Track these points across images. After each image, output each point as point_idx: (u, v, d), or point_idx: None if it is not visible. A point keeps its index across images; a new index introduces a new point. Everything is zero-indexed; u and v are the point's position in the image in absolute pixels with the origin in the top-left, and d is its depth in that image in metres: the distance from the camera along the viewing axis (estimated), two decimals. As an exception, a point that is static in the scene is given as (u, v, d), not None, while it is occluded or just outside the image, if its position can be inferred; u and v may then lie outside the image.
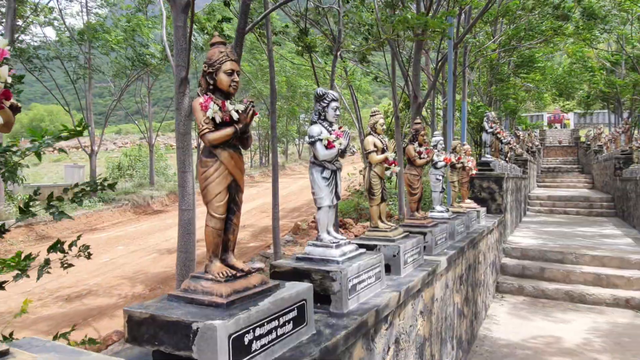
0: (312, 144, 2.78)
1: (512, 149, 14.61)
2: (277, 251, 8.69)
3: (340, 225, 13.99)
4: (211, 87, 1.98)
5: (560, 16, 12.79)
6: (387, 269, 3.42)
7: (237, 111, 1.90)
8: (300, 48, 8.88)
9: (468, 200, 7.32)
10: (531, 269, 8.16)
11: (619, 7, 16.23)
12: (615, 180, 15.18)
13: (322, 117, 2.88)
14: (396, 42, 11.70)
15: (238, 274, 1.93)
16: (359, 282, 2.71)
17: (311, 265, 2.62)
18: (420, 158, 4.61)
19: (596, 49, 23.38)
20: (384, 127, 3.79)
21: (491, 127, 9.58)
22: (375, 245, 3.48)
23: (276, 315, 1.88)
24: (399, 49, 11.61)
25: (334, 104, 2.87)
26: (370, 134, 3.76)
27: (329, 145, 2.76)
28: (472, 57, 16.83)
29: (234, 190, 2.00)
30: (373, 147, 3.67)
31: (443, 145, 5.60)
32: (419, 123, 4.71)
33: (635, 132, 22.05)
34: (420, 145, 4.68)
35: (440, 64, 11.11)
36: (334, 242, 2.78)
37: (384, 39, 9.30)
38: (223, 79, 1.96)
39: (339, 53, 9.67)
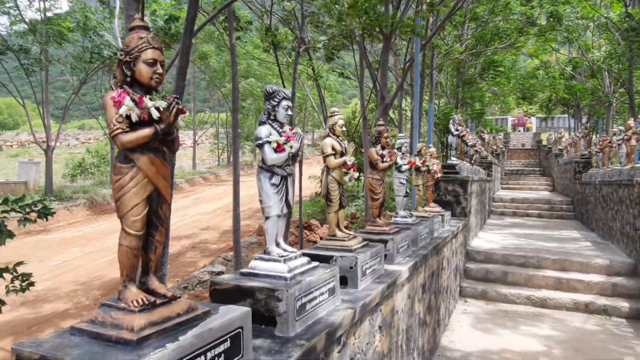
0: (260, 146, 2.50)
1: (477, 152, 14.73)
2: (238, 255, 8.35)
3: (305, 227, 13.73)
4: (128, 79, 1.67)
5: (527, 20, 12.96)
6: (344, 281, 3.19)
7: (157, 108, 1.60)
8: (265, 45, 8.56)
9: (433, 204, 7.19)
10: (494, 273, 8.13)
11: (579, 15, 16.65)
12: (575, 184, 15.53)
13: (272, 117, 2.61)
14: (363, 41, 11.54)
15: (158, 301, 1.64)
16: (310, 300, 2.45)
17: (255, 282, 2.34)
18: (382, 162, 4.39)
19: (557, 52, 24.00)
20: (344, 128, 3.55)
21: (457, 130, 9.53)
22: (332, 256, 3.23)
23: (202, 350, 1.59)
24: (366, 48, 11.45)
25: (285, 103, 2.60)
26: (328, 135, 3.51)
27: (278, 149, 2.49)
28: (439, 59, 16.92)
29: (156, 202, 1.70)
30: (331, 150, 3.42)
31: (408, 148, 5.42)
32: (383, 125, 4.50)
33: (594, 137, 22.74)
34: (383, 148, 4.47)
35: (408, 64, 11.02)
36: (282, 256, 2.52)
37: (350, 30, 9.07)
38: (143, 69, 1.66)
39: (301, 51, 9.39)
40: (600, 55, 19.65)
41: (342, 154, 3.48)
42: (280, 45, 9.05)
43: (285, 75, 11.95)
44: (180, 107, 1.65)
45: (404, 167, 5.26)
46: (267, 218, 2.58)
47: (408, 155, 5.42)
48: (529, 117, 48.24)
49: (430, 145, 7.50)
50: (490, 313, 7.14)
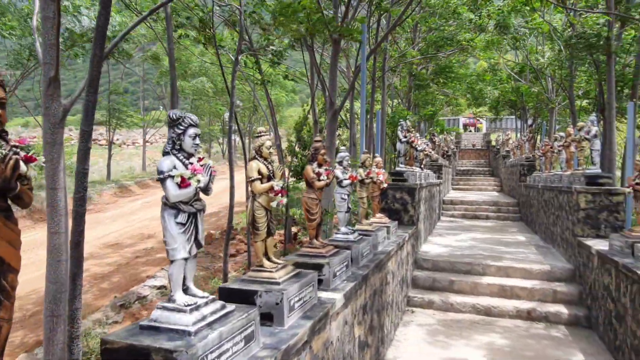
0: (161, 181, 2.20)
1: (427, 155, 14.86)
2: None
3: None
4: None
5: (476, 27, 13.16)
6: (270, 318, 2.93)
7: (-11, 161, 1.28)
8: (201, 38, 8.15)
9: (379, 215, 7.07)
10: (441, 281, 8.13)
11: (528, 25, 17.16)
12: (520, 186, 16.01)
13: (178, 147, 2.31)
14: (312, 46, 11.32)
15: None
16: (219, 356, 2.18)
17: (153, 341, 2.05)
18: (319, 180, 4.17)
19: (503, 58, 24.75)
20: (272, 150, 3.29)
21: (405, 137, 9.49)
22: (256, 292, 2.97)
23: None
24: (315, 51, 11.23)
25: (192, 131, 2.31)
26: (254, 158, 3.25)
27: (182, 184, 2.20)
28: (393, 62, 16.96)
29: (-1, 272, 1.38)
30: (257, 175, 3.16)
31: (349, 162, 5.23)
32: (319, 141, 4.27)
33: (538, 139, 23.62)
34: (319, 165, 4.25)
35: (357, 70, 10.89)
36: (189, 305, 2.23)
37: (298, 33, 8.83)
38: (-26, 111, 1.33)
39: (246, 53, 9.05)
40: (544, 61, 20.39)
41: (269, 178, 3.23)
42: (221, 44, 8.66)
43: (230, 74, 11.52)
44: (26, 155, 1.33)
45: (345, 182, 5.07)
46: (172, 262, 2.28)
47: (350, 169, 5.23)
48: (478, 119, 49.78)
49: (377, 155, 7.37)
50: (436, 323, 7.10)
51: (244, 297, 2.96)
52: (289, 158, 14.27)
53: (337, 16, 10.24)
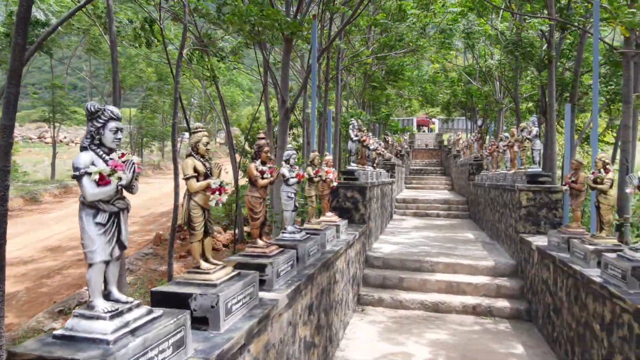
0: (77, 179, 2.04)
1: (380, 154, 15.04)
2: (121, 275, 7.54)
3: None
4: None
5: (420, 29, 13.47)
6: (205, 322, 2.81)
7: None
8: (141, 40, 7.83)
9: (329, 214, 7.05)
10: (391, 279, 8.22)
11: (477, 29, 17.75)
12: (469, 185, 16.52)
13: (97, 142, 2.15)
14: (265, 44, 11.17)
15: None
16: (142, 365, 2.04)
17: (66, 352, 1.88)
18: (262, 178, 4.07)
19: (450, 62, 25.51)
20: (209, 147, 3.16)
21: (356, 135, 9.53)
22: (191, 295, 2.83)
23: None
24: (266, 50, 11.09)
25: (112, 125, 2.16)
26: (190, 155, 3.11)
27: (101, 181, 2.04)
28: (346, 62, 17.04)
29: None
30: (192, 172, 3.02)
31: (296, 160, 5.16)
32: (263, 138, 4.17)
33: (488, 139, 24.48)
34: (263, 163, 4.15)
35: (308, 69, 10.84)
36: (109, 311, 2.07)
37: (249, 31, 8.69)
38: None
39: (194, 49, 8.79)
40: (493, 63, 21.16)
41: (206, 176, 3.09)
42: (169, 39, 8.36)
43: (188, 71, 11.15)
44: None
45: (292, 181, 4.99)
46: (90, 265, 2.12)
47: (297, 167, 5.16)
48: (430, 119, 51.08)
49: (327, 153, 7.34)
50: (386, 320, 7.16)
51: (177, 301, 2.82)
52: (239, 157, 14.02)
53: (289, 14, 10.16)
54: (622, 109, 8.68)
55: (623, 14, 6.87)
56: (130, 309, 2.18)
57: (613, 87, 15.64)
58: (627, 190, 4.45)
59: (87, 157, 2.07)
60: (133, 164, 2.18)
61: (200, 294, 2.82)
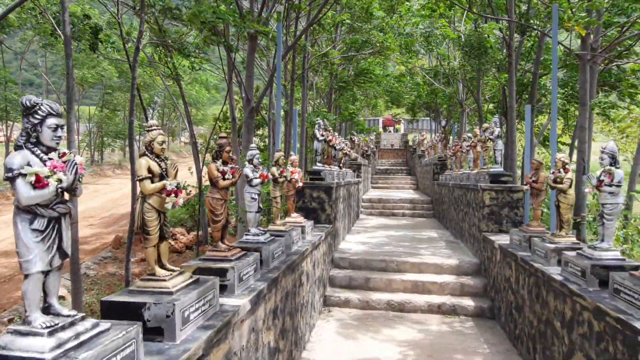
0: (11, 180, 1.84)
1: (346, 155, 15.04)
2: (77, 280, 7.14)
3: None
4: None
5: (381, 30, 13.59)
6: (160, 332, 2.63)
7: None
8: (86, 42, 7.47)
9: (294, 215, 6.93)
10: (357, 279, 8.18)
11: (439, 32, 18.05)
12: (433, 184, 16.76)
13: (34, 140, 1.96)
14: (228, 40, 10.94)
15: None
16: (85, 384, 1.86)
17: (-5, 374, 1.69)
18: (224, 179, 3.91)
19: (415, 65, 25.90)
20: (165, 146, 2.98)
21: (322, 135, 9.44)
22: (145, 304, 2.65)
23: None
24: (230, 48, 10.86)
25: (51, 121, 1.96)
26: (144, 155, 2.92)
27: (38, 184, 1.85)
28: (314, 61, 16.95)
29: None
30: (146, 173, 2.84)
31: (260, 160, 5.01)
32: (224, 137, 4.01)
33: (452, 140, 24.96)
34: (224, 163, 3.99)
35: (274, 68, 10.68)
36: (47, 327, 1.88)
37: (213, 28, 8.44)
38: None
39: (154, 45, 8.48)
40: (455, 64, 21.58)
41: (161, 177, 2.92)
42: (128, 33, 8.02)
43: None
44: None
45: (255, 181, 4.84)
46: (26, 276, 1.92)
47: (261, 167, 5.01)
48: (396, 120, 51.76)
49: (292, 153, 7.22)
50: (352, 321, 7.11)
51: (129, 311, 2.64)
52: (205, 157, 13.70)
53: (254, 12, 9.97)
54: (579, 110, 8.97)
55: (578, 15, 7.07)
56: (72, 323, 1.99)
57: (569, 89, 16.22)
58: (586, 190, 4.54)
59: (21, 157, 1.87)
60: (75, 164, 1.99)
61: (154, 303, 2.64)
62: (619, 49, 11.55)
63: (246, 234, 4.91)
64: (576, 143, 17.42)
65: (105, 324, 2.15)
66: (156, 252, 2.95)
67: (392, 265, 8.52)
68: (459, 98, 22.71)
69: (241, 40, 14.43)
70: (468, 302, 7.48)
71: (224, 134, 4.00)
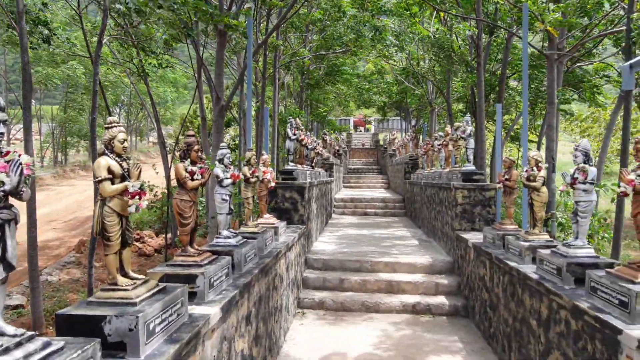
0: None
1: (318, 154, 14.91)
2: (36, 288, 6.73)
3: (137, 239, 12.26)
4: None
5: (355, 31, 13.50)
6: (123, 347, 2.42)
7: None
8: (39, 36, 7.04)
9: (267, 216, 6.74)
10: (331, 280, 8.05)
11: (409, 29, 18.15)
12: (405, 183, 16.84)
13: (-28, 137, 1.72)
14: (197, 37, 10.63)
15: None
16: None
17: None
18: (192, 180, 3.70)
19: (389, 63, 26.02)
20: (126, 144, 2.76)
21: (295, 134, 9.27)
22: (105, 317, 2.43)
23: None
24: (199, 44, 10.55)
25: (-7, 116, 1.73)
26: (104, 154, 2.69)
27: (-25, 187, 1.62)
28: (285, 59, 16.75)
29: None
30: (106, 174, 2.61)
31: (230, 160, 4.81)
32: (192, 136, 3.80)
33: (421, 139, 25.21)
34: (193, 163, 3.77)
35: (245, 63, 10.44)
36: (-12, 349, 1.66)
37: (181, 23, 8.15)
38: None
39: (117, 39, 8.12)
40: (425, 65, 21.81)
41: (123, 178, 2.69)
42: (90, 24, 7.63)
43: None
44: None
45: (226, 182, 4.64)
46: (-38, 292, 1.68)
47: (232, 167, 4.81)
48: (367, 120, 52.06)
49: (264, 152, 7.03)
50: (327, 323, 6.97)
51: (88, 325, 2.41)
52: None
53: (223, 6, 9.70)
54: (547, 109, 9.12)
55: (547, 16, 7.16)
56: (19, 344, 1.77)
57: (534, 89, 16.58)
58: (560, 188, 4.55)
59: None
60: (20, 164, 1.76)
61: (115, 316, 2.42)
62: (581, 50, 11.85)
63: (217, 237, 4.70)
64: (543, 141, 17.84)
65: (58, 343, 1.93)
66: (118, 260, 2.73)
67: (366, 266, 8.44)
68: (428, 98, 22.94)
69: (210, 37, 14.11)
70: (442, 301, 7.46)
71: (191, 132, 3.78)
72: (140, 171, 2.76)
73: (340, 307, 7.54)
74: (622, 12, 11.09)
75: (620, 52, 14.03)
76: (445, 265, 8.35)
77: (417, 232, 12.37)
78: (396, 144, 25.28)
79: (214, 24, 8.37)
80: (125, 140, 2.73)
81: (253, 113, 14.13)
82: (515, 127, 19.88)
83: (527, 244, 5.21)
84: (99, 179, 2.59)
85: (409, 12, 15.13)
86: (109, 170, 2.63)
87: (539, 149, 17.20)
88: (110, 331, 2.41)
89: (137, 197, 2.65)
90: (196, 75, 12.24)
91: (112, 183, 2.64)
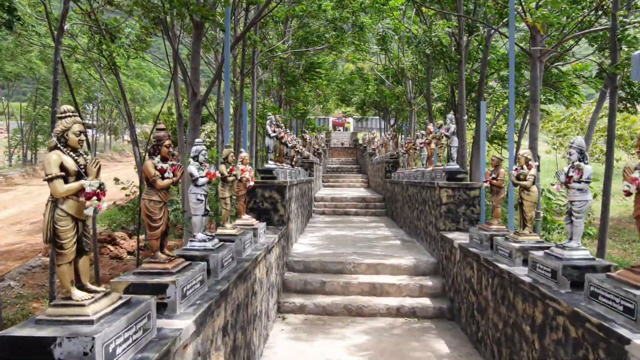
0: None
1: (298, 152, 14.59)
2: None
3: (108, 241, 11.69)
4: None
5: (336, 27, 13.26)
6: (77, 374, 2.06)
7: None
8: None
9: (245, 217, 6.39)
10: (313, 283, 7.75)
11: (390, 27, 18.00)
12: (386, 182, 16.66)
13: None
14: (172, 28, 10.19)
15: None
16: None
17: None
18: (163, 178, 3.35)
19: (370, 60, 25.93)
20: (83, 137, 2.40)
21: (274, 131, 8.94)
22: (54, 339, 2.07)
23: None
24: (174, 36, 10.12)
25: None
26: (56, 148, 2.33)
27: None
28: (262, 56, 16.35)
29: None
30: (58, 171, 2.25)
31: (206, 157, 4.45)
32: (163, 129, 3.44)
33: (401, 138, 25.13)
34: (164, 160, 3.42)
35: (221, 60, 10.05)
36: None
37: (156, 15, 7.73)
38: None
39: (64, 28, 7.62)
40: (406, 63, 21.71)
41: (79, 176, 2.33)
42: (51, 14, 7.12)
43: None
44: None
45: (202, 181, 4.29)
46: None
47: (207, 165, 4.46)
48: (346, 117, 51.96)
49: (242, 150, 6.68)
50: (309, 328, 6.67)
51: (35, 349, 2.05)
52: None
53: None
54: (530, 107, 9.03)
55: (534, 11, 7.04)
56: None
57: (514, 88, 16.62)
58: (554, 187, 4.36)
59: None
60: None
61: (67, 337, 2.07)
62: (564, 46, 11.86)
63: (191, 240, 4.35)
64: (524, 139, 17.91)
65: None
66: (73, 270, 2.36)
67: (348, 267, 8.17)
68: (408, 97, 22.86)
69: (186, 31, 13.62)
70: (427, 304, 7.25)
71: (162, 125, 3.42)
72: (99, 168, 2.41)
73: (322, 311, 7.24)
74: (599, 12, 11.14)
75: (597, 52, 14.17)
76: (430, 267, 8.15)
77: (399, 232, 12.18)
78: (376, 143, 25.14)
79: (189, 14, 7.96)
80: (81, 132, 2.37)
81: (231, 111, 13.70)
82: (492, 127, 19.94)
83: (517, 245, 5.02)
84: (50, 176, 2.23)
85: (386, 6, 14.92)
86: (62, 167, 2.27)
87: (518, 147, 17.24)
88: (62, 356, 2.05)
89: (95, 197, 2.30)
90: (171, 70, 11.77)
91: (66, 182, 2.28)
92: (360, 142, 38.82)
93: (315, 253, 8.96)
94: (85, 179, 2.30)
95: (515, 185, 5.30)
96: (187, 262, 3.58)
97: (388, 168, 16.99)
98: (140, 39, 12.12)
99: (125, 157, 50.29)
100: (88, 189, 2.27)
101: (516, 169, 5.25)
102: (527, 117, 20.89)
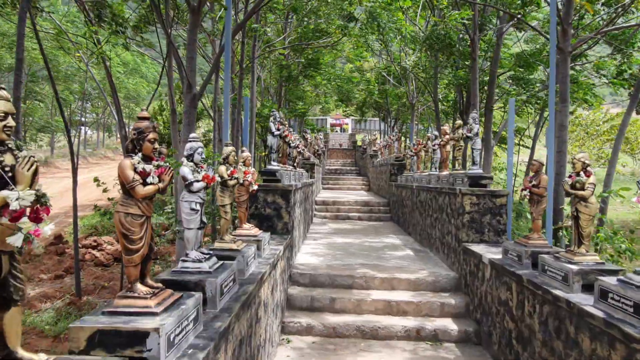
0: None
1: (300, 153, 13.74)
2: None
3: (92, 247, 10.79)
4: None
5: (346, 16, 12.40)
6: None
7: None
8: None
9: (247, 225, 5.52)
10: (320, 300, 6.89)
11: (395, 25, 17.20)
12: (391, 186, 15.82)
13: None
14: (167, 15, 9.31)
15: None
16: None
17: None
18: (145, 184, 2.48)
19: (372, 57, 25.13)
20: (11, 130, 1.54)
21: (278, 129, 8.09)
22: None
23: None
24: (168, 23, 9.24)
25: None
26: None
27: None
28: (261, 51, 15.49)
29: None
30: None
31: (203, 157, 3.59)
32: (146, 118, 2.58)
33: (407, 140, 24.36)
34: (147, 159, 2.56)
35: (222, 48, 9.19)
36: None
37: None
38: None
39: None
40: (411, 61, 20.89)
41: (4, 183, 1.47)
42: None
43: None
44: None
45: (197, 185, 3.43)
46: None
47: (205, 166, 3.60)
48: (345, 118, 51.17)
49: (244, 149, 5.82)
50: (317, 354, 5.81)
51: None
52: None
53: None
54: (559, 107, 8.23)
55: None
56: None
57: (524, 89, 15.86)
58: (635, 199, 3.53)
59: None
60: None
61: None
62: (592, 40, 11.13)
63: (184, 260, 3.48)
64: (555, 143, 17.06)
65: None
66: (-8, 333, 1.50)
67: (359, 282, 7.32)
68: (410, 99, 22.04)
69: (182, 21, 12.75)
70: (450, 325, 6.41)
71: (144, 113, 2.55)
72: (36, 170, 1.54)
73: (332, 333, 6.39)
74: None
75: (615, 52, 13.45)
76: (450, 282, 7.32)
77: (408, 239, 11.34)
78: (378, 145, 24.33)
79: (187, 1, 7.09)
80: (10, 129, 1.51)
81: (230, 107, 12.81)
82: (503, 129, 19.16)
83: (575, 267, 4.18)
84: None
85: (392, 5, 14.11)
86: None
87: (532, 153, 16.51)
88: None
89: (26, 217, 1.43)
90: (164, 59, 10.89)
91: (-20, 192, 1.42)
92: (359, 143, 38.01)
93: (321, 264, 8.10)
94: (11, 189, 1.44)
95: (568, 195, 4.48)
96: (177, 295, 2.72)
97: (394, 171, 16.16)
98: (136, 28, 11.31)
99: (118, 155, 49.15)
100: (14, 205, 1.41)
101: (571, 176, 4.43)
102: (541, 120, 20.14)
